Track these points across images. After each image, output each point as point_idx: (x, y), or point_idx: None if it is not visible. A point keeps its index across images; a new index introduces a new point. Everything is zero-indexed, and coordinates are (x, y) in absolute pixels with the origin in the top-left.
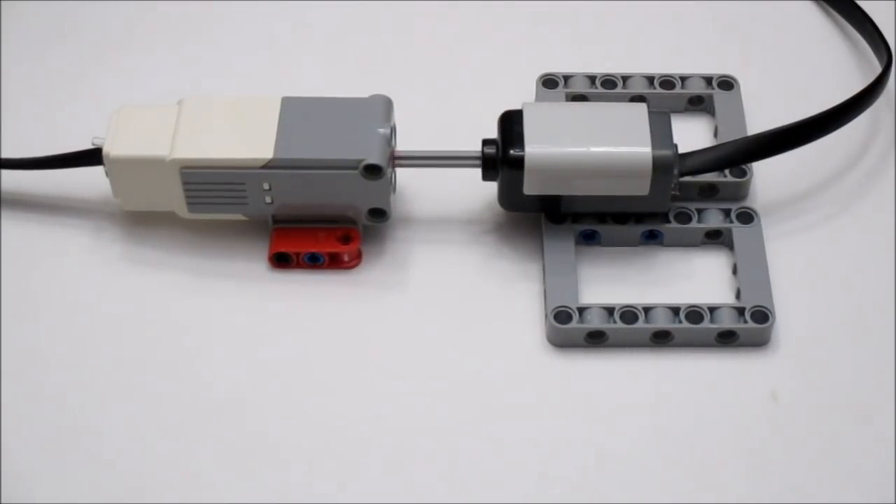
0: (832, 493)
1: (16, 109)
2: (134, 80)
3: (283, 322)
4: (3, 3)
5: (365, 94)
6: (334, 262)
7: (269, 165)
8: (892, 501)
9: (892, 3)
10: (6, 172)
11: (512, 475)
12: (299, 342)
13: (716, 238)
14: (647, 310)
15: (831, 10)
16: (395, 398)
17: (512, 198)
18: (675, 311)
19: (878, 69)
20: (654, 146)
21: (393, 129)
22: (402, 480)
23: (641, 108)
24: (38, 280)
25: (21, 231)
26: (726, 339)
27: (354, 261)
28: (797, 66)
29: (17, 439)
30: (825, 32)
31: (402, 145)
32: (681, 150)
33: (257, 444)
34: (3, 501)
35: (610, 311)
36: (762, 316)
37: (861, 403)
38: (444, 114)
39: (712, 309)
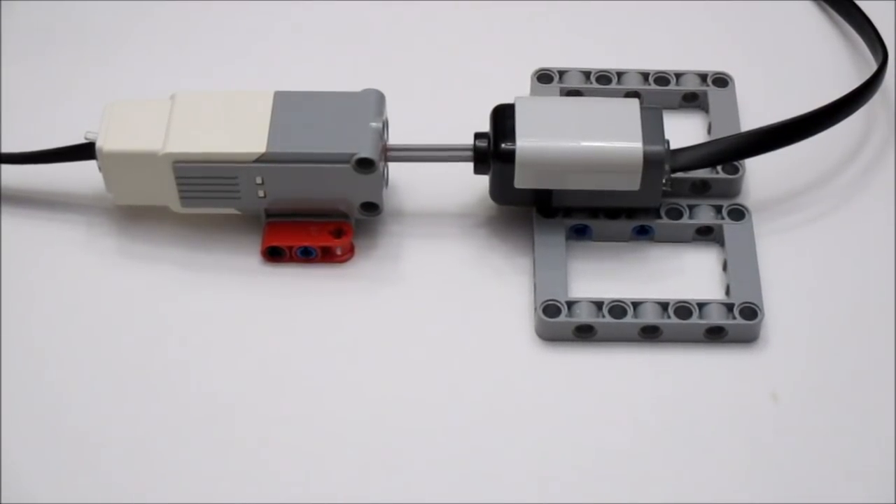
0: (829, 493)
1: (14, 107)
2: (131, 78)
3: (275, 315)
4: (2, 2)
5: (359, 90)
6: (327, 256)
7: (261, 159)
8: (893, 502)
9: (891, 0)
10: None
11: (500, 468)
12: (292, 335)
13: (707, 234)
14: (636, 305)
15: (827, 7)
16: (385, 391)
17: (503, 192)
18: (664, 306)
19: (874, 67)
20: (645, 141)
21: (385, 123)
22: (392, 473)
23: (633, 104)
24: (32, 275)
25: (14, 226)
26: (715, 335)
27: (347, 254)
28: (792, 64)
29: (14, 437)
30: (821, 30)
31: (397, 140)
32: (674, 147)
33: (251, 438)
34: (3, 502)
35: (599, 305)
36: (751, 312)
37: (852, 401)
38: (438, 108)
39: (701, 305)
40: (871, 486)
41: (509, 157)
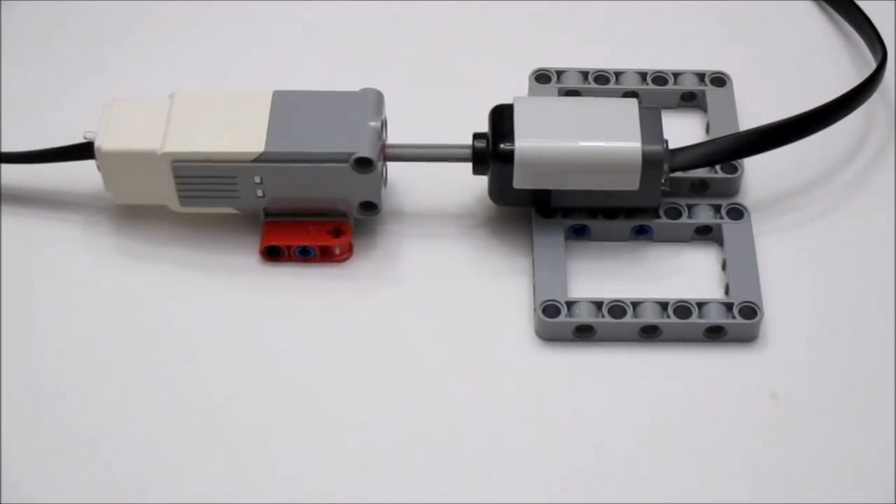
0: (829, 493)
1: (14, 107)
2: (130, 78)
3: (274, 315)
4: (2, 2)
5: (358, 89)
6: (325, 256)
7: (260, 159)
8: (893, 502)
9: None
10: None
11: (499, 468)
12: (290, 334)
13: (706, 234)
14: (636, 304)
15: (826, 6)
16: (384, 391)
17: (502, 192)
18: (664, 305)
19: (874, 66)
20: (643, 141)
21: (384, 123)
22: (391, 473)
23: (632, 104)
24: (31, 274)
25: (13, 225)
26: (714, 335)
27: (345, 254)
28: (791, 63)
29: (14, 437)
30: (820, 29)
31: (396, 140)
32: (672, 146)
33: (249, 437)
34: (3, 502)
35: (598, 305)
36: (750, 312)
37: (852, 401)
38: (437, 108)
39: (701, 304)
40: (871, 486)
41: (508, 157)
